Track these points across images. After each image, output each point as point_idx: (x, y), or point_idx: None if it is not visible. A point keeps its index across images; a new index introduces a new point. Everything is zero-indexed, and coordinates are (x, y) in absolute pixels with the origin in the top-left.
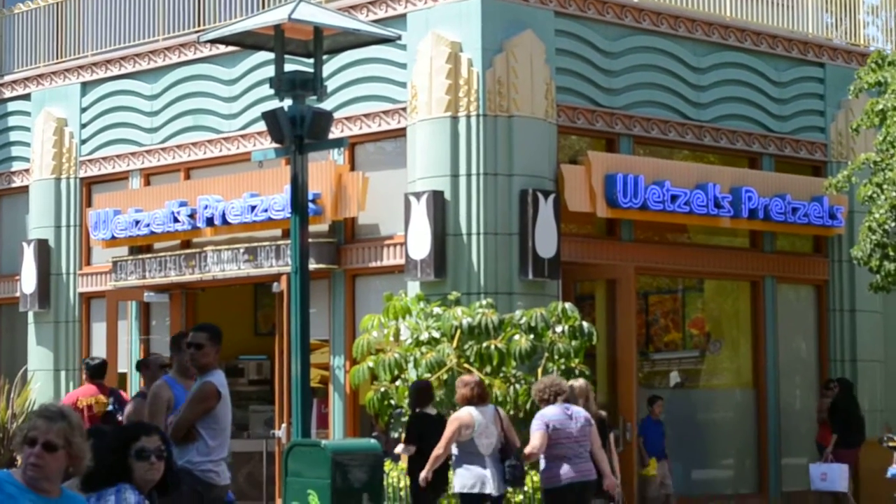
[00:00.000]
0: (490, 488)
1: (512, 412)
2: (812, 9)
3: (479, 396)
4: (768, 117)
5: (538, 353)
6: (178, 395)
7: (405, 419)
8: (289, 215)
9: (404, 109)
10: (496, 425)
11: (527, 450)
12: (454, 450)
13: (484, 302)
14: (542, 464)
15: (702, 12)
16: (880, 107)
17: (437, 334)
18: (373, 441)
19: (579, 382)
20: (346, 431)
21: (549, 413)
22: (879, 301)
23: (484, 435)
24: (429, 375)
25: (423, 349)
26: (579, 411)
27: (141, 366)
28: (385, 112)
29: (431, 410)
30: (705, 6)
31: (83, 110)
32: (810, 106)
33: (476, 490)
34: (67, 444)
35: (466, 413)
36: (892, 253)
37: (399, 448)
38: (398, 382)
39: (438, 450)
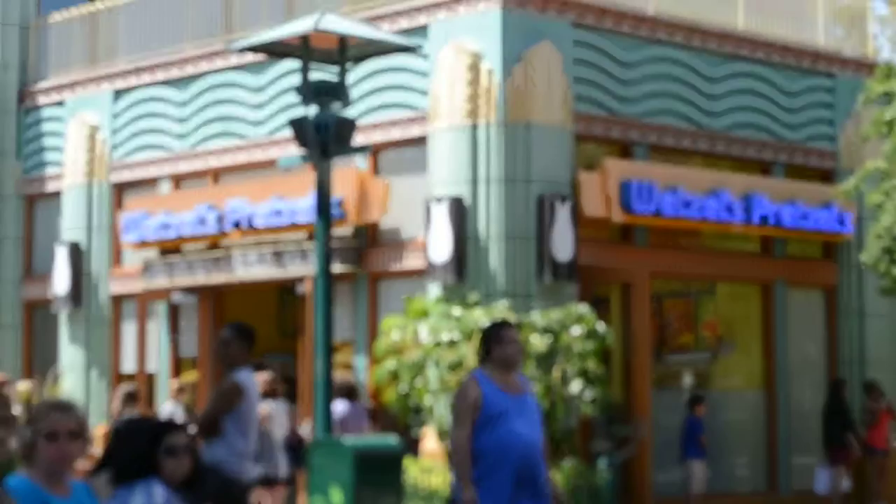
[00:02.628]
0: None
1: None
2: (822, 21)
3: (273, 392)
4: (779, 126)
5: (555, 355)
6: (487, 391)
7: None
8: (313, 219)
9: (426, 117)
10: (287, 417)
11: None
12: None
13: (503, 304)
14: None
15: (715, 24)
16: (888, 117)
17: (456, 336)
18: (393, 439)
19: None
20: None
21: (342, 408)
22: (887, 304)
23: (277, 425)
24: (449, 375)
25: (444, 350)
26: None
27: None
28: (407, 120)
29: None
30: (718, 18)
31: (115, 117)
32: (820, 115)
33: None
34: (83, 430)
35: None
36: None
37: None
38: (418, 382)
39: None
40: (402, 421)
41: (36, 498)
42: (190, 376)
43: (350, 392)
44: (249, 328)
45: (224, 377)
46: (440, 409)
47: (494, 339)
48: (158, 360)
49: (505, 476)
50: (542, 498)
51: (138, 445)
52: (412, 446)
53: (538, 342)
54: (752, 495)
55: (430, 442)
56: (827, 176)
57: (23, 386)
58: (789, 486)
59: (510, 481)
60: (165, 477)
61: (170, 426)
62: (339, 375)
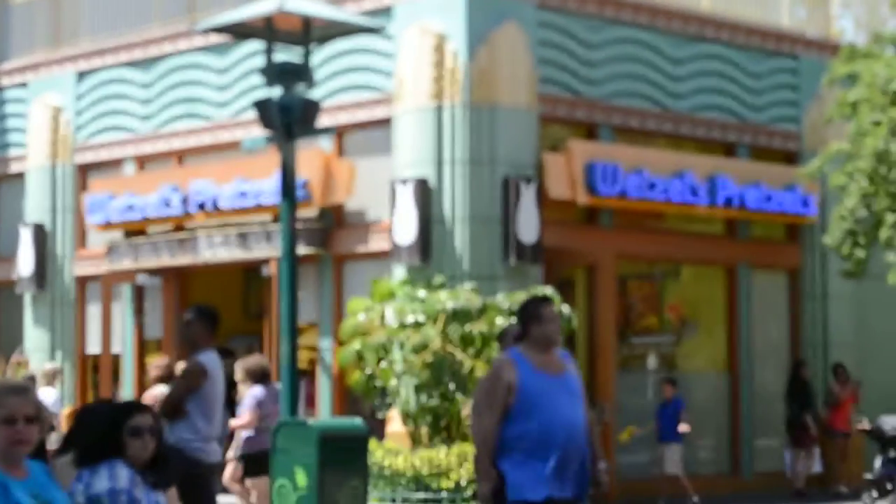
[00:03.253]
0: None
1: None
2: (786, 2)
3: (169, 377)
4: (743, 108)
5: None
6: (523, 373)
7: None
8: (278, 201)
9: (390, 99)
10: None
11: (236, 423)
12: None
13: (468, 286)
14: (249, 433)
15: (679, 5)
16: (851, 98)
17: (421, 317)
18: (358, 421)
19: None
20: (333, 411)
21: (259, 392)
22: (850, 287)
23: None
24: (414, 357)
25: (409, 332)
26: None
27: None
28: (372, 101)
29: None
30: None
31: (78, 98)
32: (784, 97)
33: None
34: (39, 413)
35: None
36: (862, 240)
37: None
38: (383, 364)
39: None
40: (368, 402)
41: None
42: (155, 358)
43: (264, 375)
44: (212, 310)
45: (187, 359)
46: (405, 390)
47: (533, 317)
48: (123, 342)
49: (548, 461)
50: (587, 482)
51: (102, 426)
52: (377, 428)
53: (503, 324)
54: (716, 477)
55: (395, 424)
56: (791, 157)
57: None
58: (752, 467)
59: (553, 466)
60: (130, 458)
61: (134, 407)
62: (253, 359)
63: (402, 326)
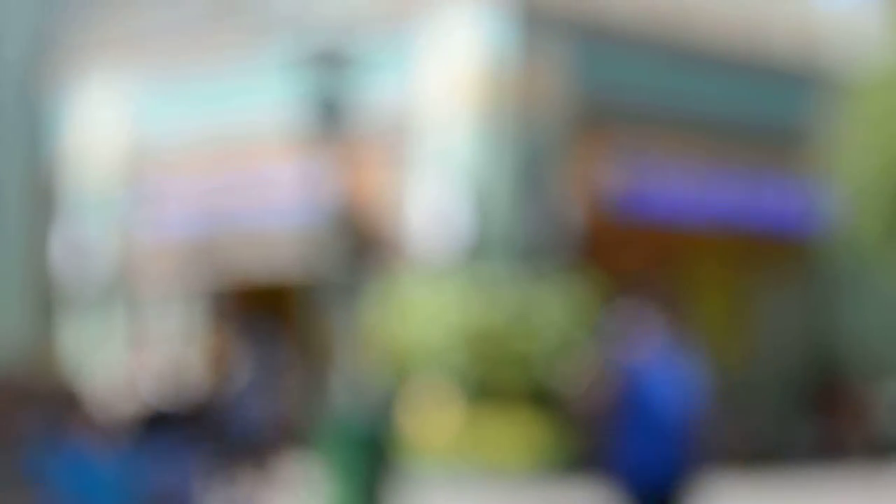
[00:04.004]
0: None
1: None
2: (785, 25)
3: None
4: (749, 123)
5: (571, 344)
6: (628, 351)
7: None
8: (309, 214)
9: (427, 112)
10: None
11: None
12: None
13: (508, 293)
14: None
15: (700, 28)
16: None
17: (460, 321)
18: (392, 420)
19: None
20: (370, 410)
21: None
22: (861, 289)
23: None
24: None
25: (441, 340)
26: None
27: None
28: (409, 114)
29: None
30: (702, 24)
31: (137, 109)
32: (793, 113)
33: None
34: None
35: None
36: (876, 244)
37: None
38: (427, 366)
39: None
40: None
41: (79, 462)
42: (190, 366)
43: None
44: (258, 322)
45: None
46: (451, 378)
47: (636, 298)
48: (173, 352)
49: (651, 437)
50: (688, 465)
51: (161, 413)
52: (419, 415)
53: (539, 327)
54: None
55: (441, 407)
56: (804, 168)
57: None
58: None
59: (659, 442)
60: (185, 441)
61: (183, 391)
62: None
63: (434, 333)
